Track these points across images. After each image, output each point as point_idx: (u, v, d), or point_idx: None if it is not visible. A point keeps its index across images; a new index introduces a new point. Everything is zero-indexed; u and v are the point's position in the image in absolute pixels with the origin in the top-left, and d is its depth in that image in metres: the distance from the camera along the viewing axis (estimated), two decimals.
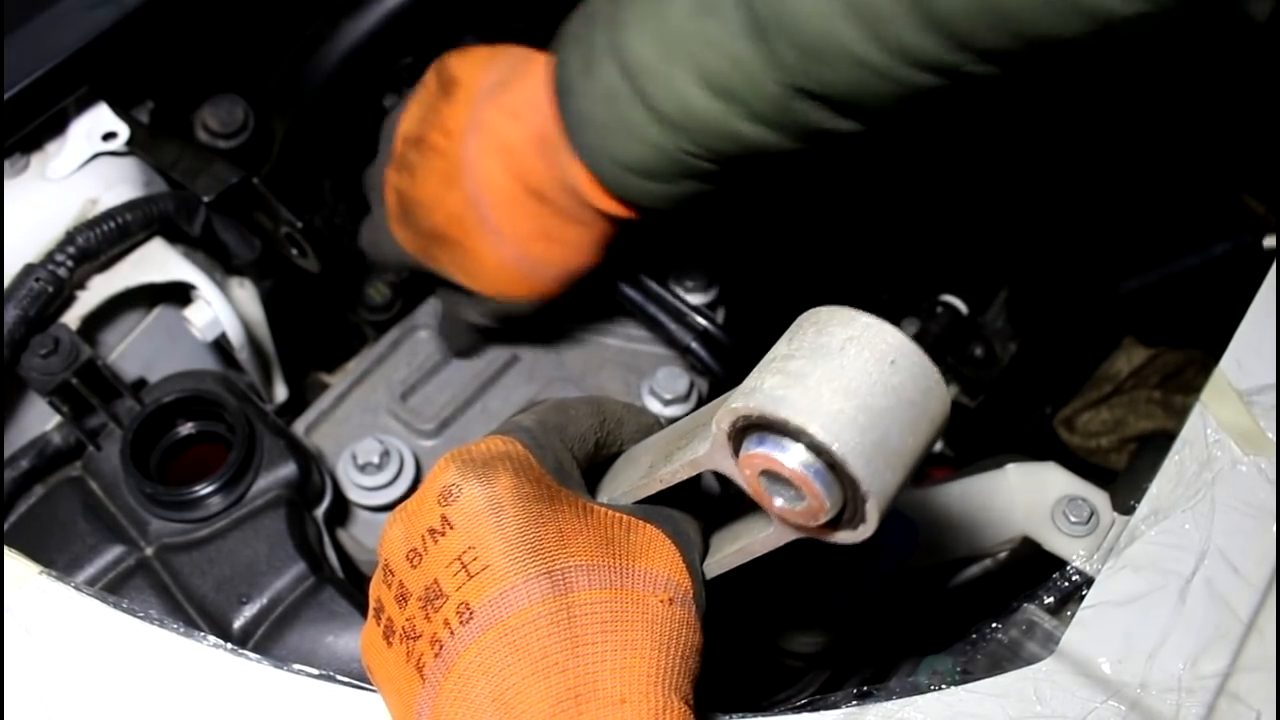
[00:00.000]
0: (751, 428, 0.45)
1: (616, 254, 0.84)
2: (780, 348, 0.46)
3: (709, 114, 0.66)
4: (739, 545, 0.53)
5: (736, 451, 0.46)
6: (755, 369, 0.46)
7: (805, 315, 0.47)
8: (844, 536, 0.46)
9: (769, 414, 0.43)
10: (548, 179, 0.76)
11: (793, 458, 0.43)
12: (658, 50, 0.65)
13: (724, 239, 1.02)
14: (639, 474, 0.53)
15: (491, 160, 0.77)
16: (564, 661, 0.45)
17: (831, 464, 0.43)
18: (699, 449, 0.48)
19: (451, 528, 0.49)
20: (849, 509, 0.44)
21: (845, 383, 0.43)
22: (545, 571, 0.47)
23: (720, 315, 1.00)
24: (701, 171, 0.71)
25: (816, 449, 0.43)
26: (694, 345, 0.94)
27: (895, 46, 0.59)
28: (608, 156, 0.71)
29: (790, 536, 0.49)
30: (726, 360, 0.94)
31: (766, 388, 0.44)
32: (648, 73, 0.66)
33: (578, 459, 0.54)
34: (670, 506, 0.53)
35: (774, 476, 0.45)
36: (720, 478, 0.50)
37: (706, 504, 0.56)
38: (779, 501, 0.46)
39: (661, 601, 0.49)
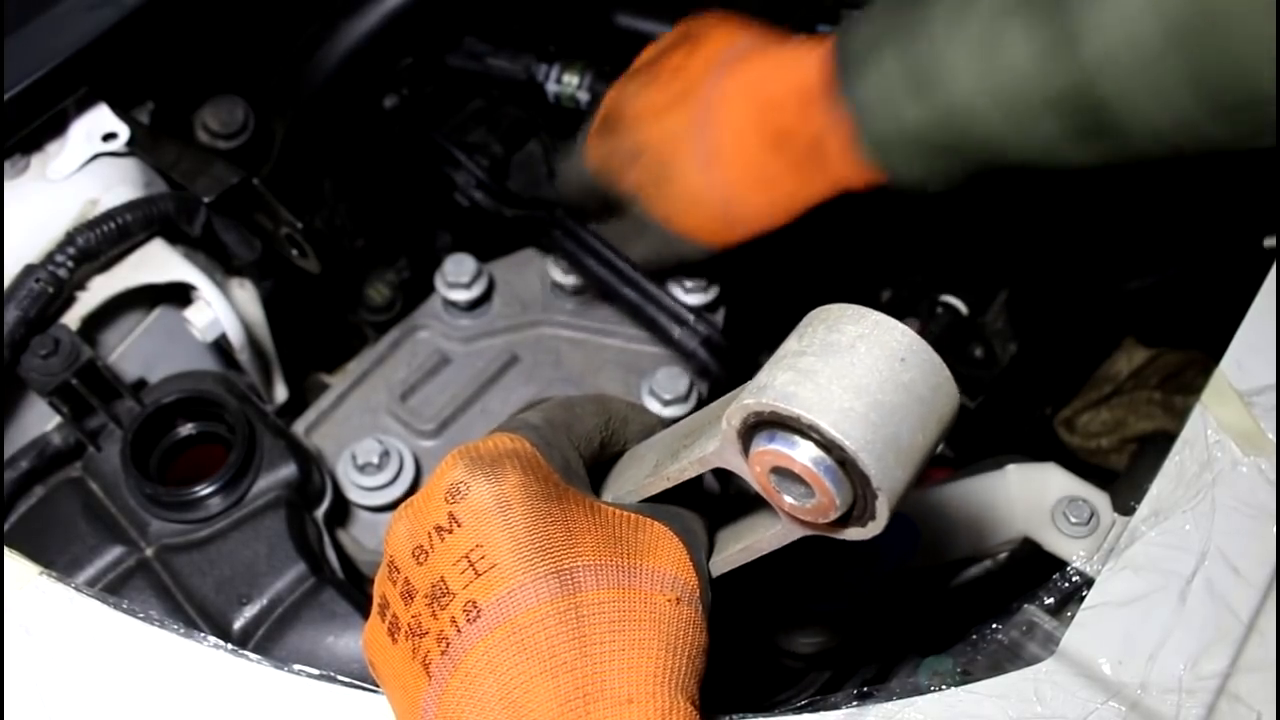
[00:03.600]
0: (762, 424, 0.45)
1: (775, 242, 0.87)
2: (791, 344, 0.46)
3: (987, 89, 0.72)
4: (745, 543, 0.52)
5: (746, 449, 0.46)
6: (765, 366, 0.46)
7: (815, 312, 0.47)
8: (853, 533, 0.46)
9: (780, 410, 0.43)
10: (797, 125, 0.80)
11: (803, 454, 0.43)
12: (962, 28, 0.72)
13: None
14: (644, 472, 0.53)
15: (743, 98, 0.82)
16: (572, 661, 0.45)
17: (842, 461, 0.43)
18: (708, 446, 0.48)
19: (459, 525, 0.49)
20: (858, 506, 0.44)
21: (856, 380, 0.43)
22: (553, 570, 0.47)
23: (720, 316, 1.00)
24: (948, 152, 0.76)
25: (827, 446, 0.43)
26: (698, 350, 0.94)
27: (1191, 57, 0.65)
28: (882, 113, 0.76)
29: (798, 534, 0.49)
30: (729, 363, 0.94)
31: (778, 384, 0.44)
32: (952, 44, 0.72)
33: (583, 457, 0.54)
34: (675, 504, 0.53)
35: (784, 473, 0.45)
36: (722, 477, 0.50)
37: (710, 502, 0.56)
38: (788, 499, 0.46)
39: (669, 601, 0.49)
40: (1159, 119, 0.69)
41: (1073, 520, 0.76)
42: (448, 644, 0.47)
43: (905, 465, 0.43)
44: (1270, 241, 1.16)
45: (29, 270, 0.77)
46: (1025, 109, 0.71)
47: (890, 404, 0.43)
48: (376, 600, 0.52)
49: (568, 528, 0.49)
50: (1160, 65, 0.66)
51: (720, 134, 0.82)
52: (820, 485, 0.43)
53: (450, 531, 0.49)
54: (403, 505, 0.52)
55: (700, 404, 0.95)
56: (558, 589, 0.47)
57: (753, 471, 0.46)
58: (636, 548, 0.50)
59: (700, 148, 0.82)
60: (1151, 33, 0.65)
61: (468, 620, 0.47)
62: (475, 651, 0.46)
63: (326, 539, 0.82)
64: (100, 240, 0.79)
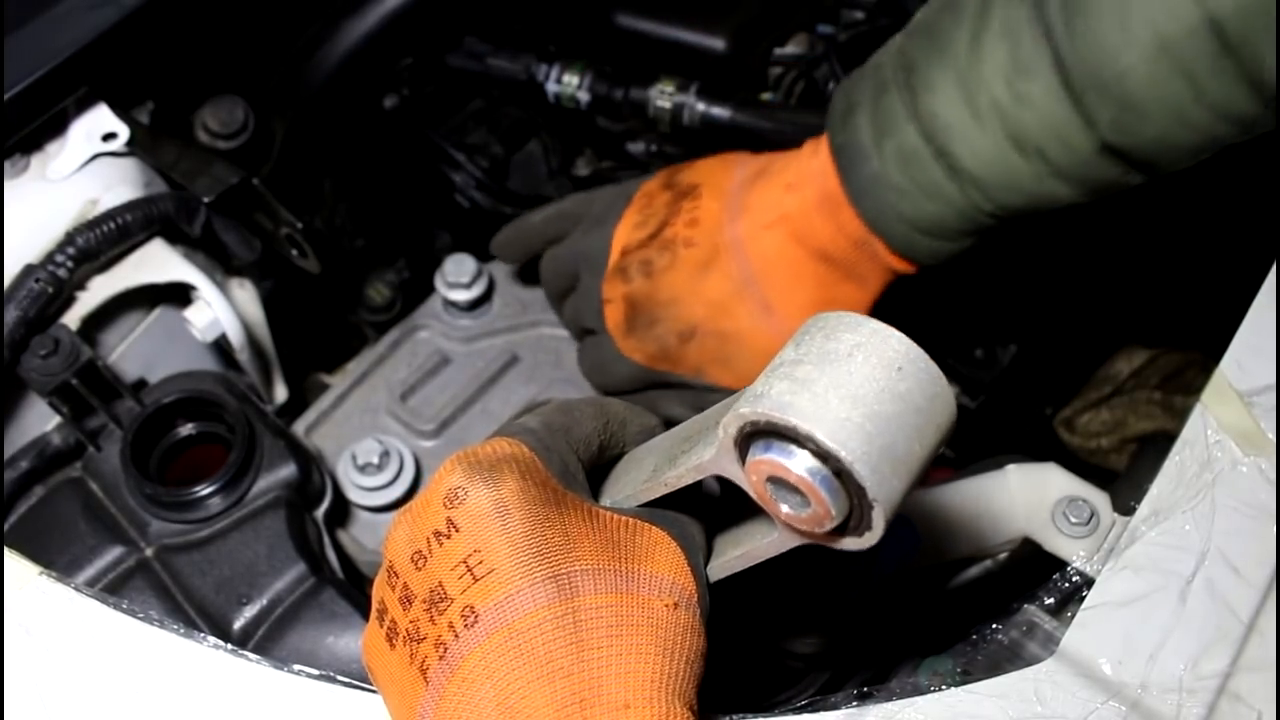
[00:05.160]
0: (758, 433, 0.44)
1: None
2: (787, 352, 0.46)
3: (1013, 170, 0.69)
4: (742, 550, 0.52)
5: (743, 457, 0.46)
6: (762, 373, 0.46)
7: (812, 320, 0.47)
8: (849, 543, 0.46)
9: (776, 420, 0.43)
10: (834, 235, 0.77)
11: (799, 464, 0.43)
12: (968, 112, 0.69)
13: None
14: (642, 477, 0.53)
15: (769, 233, 0.78)
16: (569, 666, 0.45)
17: (838, 471, 0.43)
18: (704, 453, 0.48)
19: (457, 530, 0.48)
20: (855, 516, 0.44)
21: (852, 389, 0.43)
22: (551, 575, 0.47)
23: None
24: (986, 228, 0.74)
25: (823, 456, 0.42)
26: None
27: (1211, 101, 0.63)
28: (898, 215, 0.74)
29: (795, 542, 0.49)
30: None
31: (774, 393, 0.43)
32: (954, 132, 0.69)
33: (582, 461, 0.54)
34: (673, 508, 0.53)
35: (780, 482, 0.45)
36: (722, 480, 0.50)
37: (708, 506, 0.56)
38: (785, 507, 0.46)
39: (666, 606, 0.49)
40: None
41: (1073, 520, 0.76)
42: (445, 649, 0.47)
43: (901, 475, 0.43)
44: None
45: (29, 270, 0.77)
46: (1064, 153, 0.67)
47: (887, 414, 0.43)
48: (375, 605, 0.52)
49: (565, 532, 0.49)
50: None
51: (768, 277, 0.79)
52: (816, 495, 0.43)
53: (448, 536, 0.49)
54: (401, 510, 0.52)
55: None
56: (555, 594, 0.47)
57: (749, 480, 0.46)
58: (634, 552, 0.50)
59: (752, 299, 0.80)
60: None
61: (465, 625, 0.47)
62: (472, 657, 0.46)
63: (326, 539, 0.82)
64: (100, 240, 0.79)
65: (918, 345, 0.45)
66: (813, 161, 0.78)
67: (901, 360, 0.44)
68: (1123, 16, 0.62)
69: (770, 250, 0.79)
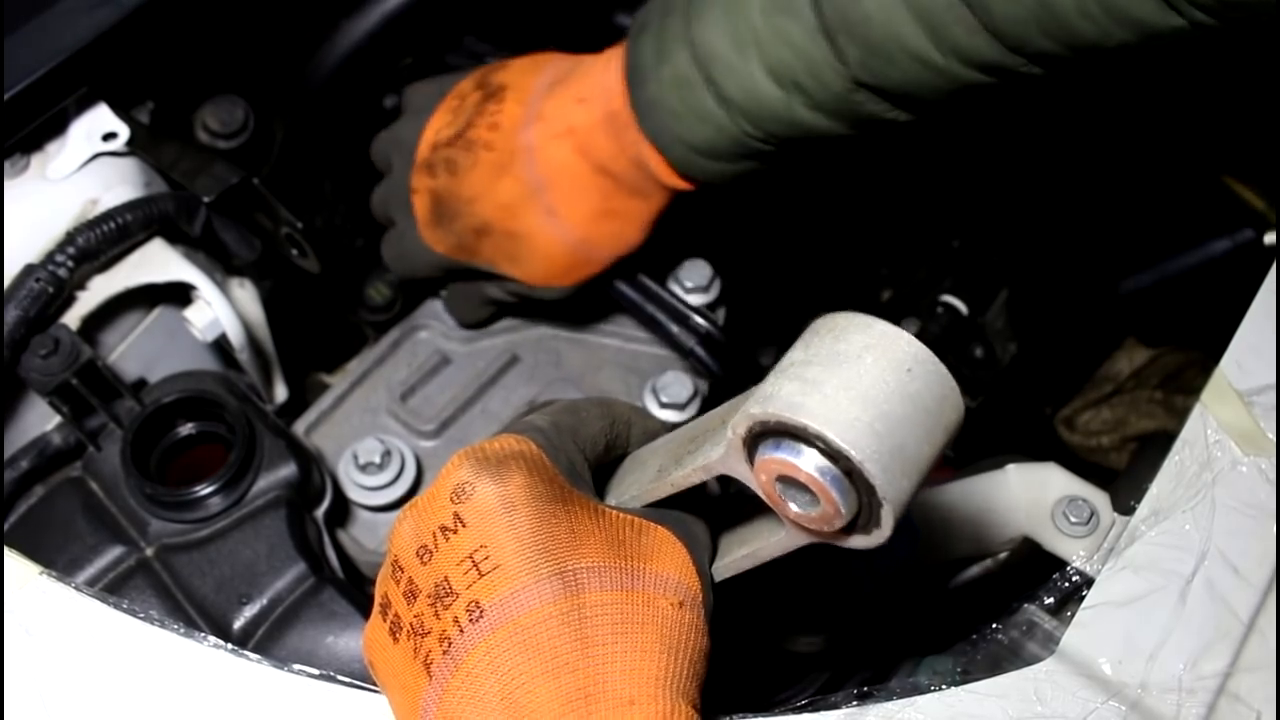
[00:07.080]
0: (768, 433, 0.45)
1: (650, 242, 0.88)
2: (796, 353, 0.46)
3: (774, 102, 0.72)
4: (749, 549, 0.53)
5: (751, 456, 0.46)
6: (771, 374, 0.46)
7: (820, 321, 0.47)
8: (857, 541, 0.46)
9: (787, 420, 0.43)
10: (615, 154, 0.81)
11: (809, 463, 0.43)
12: (731, 42, 0.72)
13: (725, 238, 1.02)
14: (647, 477, 0.53)
15: (557, 143, 0.82)
16: (574, 661, 0.45)
17: (848, 470, 0.43)
18: (712, 453, 0.48)
19: (464, 525, 0.49)
20: (863, 515, 0.45)
21: (863, 390, 0.43)
22: (557, 572, 0.47)
23: (721, 315, 1.00)
24: (761, 152, 0.77)
25: (833, 455, 0.43)
26: (696, 348, 0.94)
27: (951, 47, 0.65)
28: (676, 138, 0.77)
29: (803, 541, 0.49)
30: (728, 362, 0.94)
31: (784, 394, 0.44)
32: (719, 62, 0.72)
33: (588, 460, 0.55)
34: (677, 508, 0.53)
35: (789, 482, 0.45)
36: (724, 482, 0.50)
37: (712, 506, 0.56)
38: (793, 506, 0.46)
39: (671, 604, 0.49)
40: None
41: (1073, 520, 0.76)
42: (450, 644, 0.47)
43: (910, 475, 0.44)
44: (1270, 239, 1.16)
45: (29, 270, 0.77)
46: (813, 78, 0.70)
47: (897, 415, 0.43)
48: (378, 600, 0.52)
49: (572, 529, 0.49)
50: None
51: (554, 185, 0.83)
52: (826, 494, 0.44)
53: (455, 532, 0.49)
54: (408, 505, 0.52)
55: (703, 408, 0.95)
56: (561, 590, 0.47)
57: (758, 480, 0.46)
58: (640, 551, 0.50)
59: (539, 205, 0.83)
60: None
61: (470, 620, 0.47)
62: (477, 651, 0.46)
63: (326, 539, 0.82)
64: (100, 240, 0.79)
65: (927, 347, 0.45)
66: (605, 76, 0.81)
67: (911, 361, 0.44)
68: None
69: (557, 160, 0.82)
